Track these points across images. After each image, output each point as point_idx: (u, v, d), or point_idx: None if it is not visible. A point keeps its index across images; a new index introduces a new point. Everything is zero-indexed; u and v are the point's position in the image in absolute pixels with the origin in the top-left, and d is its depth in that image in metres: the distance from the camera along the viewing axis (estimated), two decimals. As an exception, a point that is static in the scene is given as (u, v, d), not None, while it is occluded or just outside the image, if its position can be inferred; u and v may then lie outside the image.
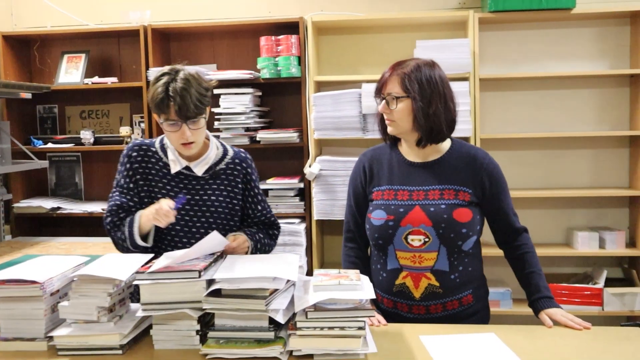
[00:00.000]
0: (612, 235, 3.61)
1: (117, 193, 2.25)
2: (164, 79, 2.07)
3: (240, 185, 2.29)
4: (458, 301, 2.12)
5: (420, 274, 2.09)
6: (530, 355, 1.74)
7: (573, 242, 3.68)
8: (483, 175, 2.14)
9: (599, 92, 3.78)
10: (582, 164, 3.83)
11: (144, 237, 2.16)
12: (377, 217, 2.13)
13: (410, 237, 2.09)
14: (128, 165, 2.25)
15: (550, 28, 3.76)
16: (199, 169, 2.24)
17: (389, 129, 2.15)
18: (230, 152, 2.32)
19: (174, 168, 2.23)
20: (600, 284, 3.57)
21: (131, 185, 2.24)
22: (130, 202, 2.22)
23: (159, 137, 2.31)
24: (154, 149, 2.27)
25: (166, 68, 2.13)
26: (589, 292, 3.55)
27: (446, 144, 2.19)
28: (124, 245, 2.18)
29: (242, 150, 2.37)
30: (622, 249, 3.61)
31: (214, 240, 1.96)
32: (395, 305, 2.14)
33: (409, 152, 2.19)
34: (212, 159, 2.26)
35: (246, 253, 2.18)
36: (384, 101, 2.11)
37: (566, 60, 3.77)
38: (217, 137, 3.56)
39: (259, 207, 2.34)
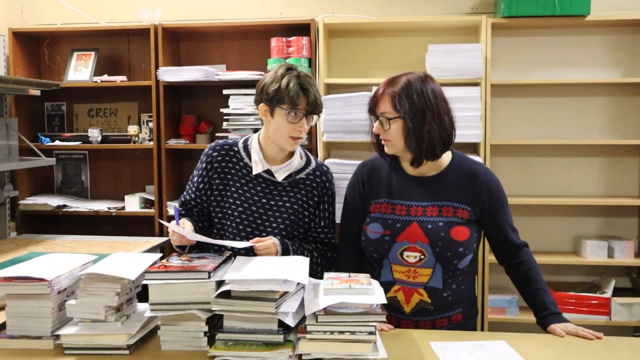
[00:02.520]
0: (621, 244, 3.58)
1: (188, 188, 2.31)
2: (293, 73, 2.13)
3: (315, 199, 2.28)
4: (447, 319, 2.10)
5: (413, 289, 2.07)
6: (543, 364, 1.71)
7: (581, 250, 3.65)
8: (483, 192, 2.11)
9: (611, 100, 3.75)
10: (592, 172, 3.80)
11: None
12: (373, 230, 2.10)
13: (406, 253, 2.06)
14: (207, 165, 2.27)
15: (563, 35, 3.74)
16: (280, 175, 2.24)
17: (386, 149, 2.12)
18: (313, 164, 2.31)
19: (256, 169, 2.23)
20: (608, 293, 3.54)
21: (203, 185, 2.27)
22: (195, 200, 2.28)
23: (243, 138, 2.31)
24: (236, 149, 2.28)
25: (285, 65, 2.18)
26: (596, 302, 3.52)
27: (446, 158, 2.15)
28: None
29: (325, 164, 2.37)
30: (631, 259, 3.58)
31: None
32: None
33: (408, 166, 2.14)
34: (294, 167, 2.26)
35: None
36: (377, 121, 2.08)
37: (579, 68, 3.75)
38: (225, 137, 3.58)
39: (322, 224, 2.31)
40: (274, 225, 2.23)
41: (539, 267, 2.17)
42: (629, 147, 3.74)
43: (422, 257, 2.05)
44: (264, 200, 2.22)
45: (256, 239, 2.12)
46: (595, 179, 3.80)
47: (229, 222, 2.24)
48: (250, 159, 2.24)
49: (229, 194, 2.24)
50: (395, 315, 2.10)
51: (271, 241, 2.13)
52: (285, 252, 2.16)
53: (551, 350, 1.86)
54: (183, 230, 2.07)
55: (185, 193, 2.33)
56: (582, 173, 3.80)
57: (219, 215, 2.27)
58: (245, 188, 2.23)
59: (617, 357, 1.80)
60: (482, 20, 3.49)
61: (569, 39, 3.74)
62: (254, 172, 2.23)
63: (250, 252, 2.11)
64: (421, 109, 2.01)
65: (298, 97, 2.09)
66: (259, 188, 2.23)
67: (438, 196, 2.10)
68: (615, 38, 3.72)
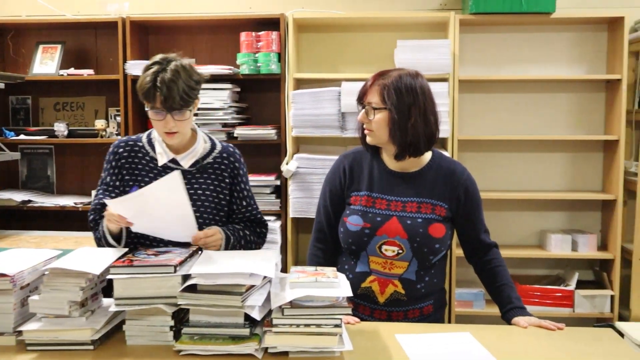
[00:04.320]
0: (585, 238, 3.65)
1: (102, 191, 2.23)
2: (154, 68, 2.06)
3: (227, 180, 2.27)
4: (419, 310, 2.15)
5: (388, 280, 2.11)
6: (506, 355, 1.74)
7: (546, 244, 3.72)
8: (460, 190, 2.16)
9: (575, 97, 3.82)
10: (557, 167, 3.86)
11: (119, 237, 2.12)
12: (353, 222, 2.13)
13: (384, 247, 2.09)
14: (114, 163, 2.23)
15: (529, 32, 3.79)
16: (186, 162, 2.22)
17: (368, 139, 2.14)
18: (218, 146, 2.30)
19: (161, 161, 2.21)
20: (572, 286, 3.61)
21: (117, 183, 2.22)
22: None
23: (147, 132, 2.30)
24: (140, 144, 2.25)
25: (158, 57, 2.12)
26: (560, 294, 3.58)
27: (427, 156, 2.19)
28: (101, 244, 2.14)
29: (230, 145, 2.35)
30: (594, 252, 3.66)
31: (171, 181, 1.95)
32: (357, 308, 2.15)
33: (390, 160, 2.18)
34: (200, 153, 2.24)
35: (220, 247, 2.14)
36: (363, 110, 2.11)
37: (544, 64, 3.80)
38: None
39: (244, 203, 2.31)
40: (196, 215, 2.15)
41: (505, 261, 2.22)
42: (593, 143, 3.81)
43: (400, 251, 2.08)
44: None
45: (203, 232, 2.08)
46: (559, 174, 3.86)
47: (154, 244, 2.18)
48: (155, 151, 2.22)
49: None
50: (369, 305, 2.15)
51: (216, 229, 2.13)
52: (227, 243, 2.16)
53: (514, 340, 1.90)
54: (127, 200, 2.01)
55: (95, 199, 2.23)
56: (547, 168, 3.86)
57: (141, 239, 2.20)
58: (155, 181, 2.17)
59: (576, 347, 1.84)
60: (450, 16, 3.52)
61: (535, 35, 3.79)
62: (160, 164, 2.20)
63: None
64: (408, 103, 2.04)
65: (149, 94, 2.05)
66: None
67: (417, 192, 2.14)
68: (580, 35, 3.78)
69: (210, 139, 2.31)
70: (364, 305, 2.15)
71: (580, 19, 3.65)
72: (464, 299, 3.62)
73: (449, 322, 3.53)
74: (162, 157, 2.21)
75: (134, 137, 2.30)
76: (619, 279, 3.59)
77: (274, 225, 3.55)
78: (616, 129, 3.59)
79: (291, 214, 3.56)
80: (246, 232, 2.28)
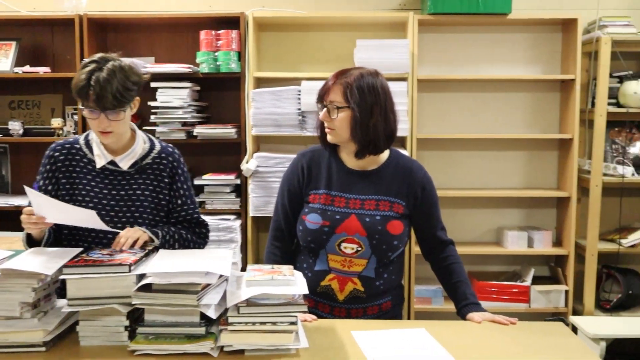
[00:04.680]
0: (540, 234, 3.72)
1: None
2: (91, 67, 2.04)
3: (166, 180, 2.24)
4: (378, 307, 2.18)
5: (348, 278, 2.13)
6: (459, 349, 1.77)
7: (503, 241, 3.78)
8: (417, 188, 2.19)
9: (531, 96, 3.89)
10: (514, 166, 3.93)
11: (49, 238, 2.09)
12: (312, 220, 2.14)
13: (343, 244, 2.11)
14: (48, 167, 2.19)
15: (487, 32, 3.85)
16: (125, 163, 2.19)
17: (329, 137, 2.15)
18: (157, 147, 2.27)
19: (99, 163, 2.18)
20: (528, 281, 3.68)
21: (49, 188, 2.18)
22: None
23: (84, 134, 2.26)
24: (77, 146, 2.22)
25: (97, 55, 2.09)
26: (517, 290, 3.65)
27: (385, 154, 2.22)
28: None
29: (170, 145, 2.33)
30: (549, 248, 3.74)
31: (87, 216, 1.96)
32: (317, 306, 2.17)
33: (348, 159, 2.20)
34: (139, 154, 2.22)
35: (145, 244, 2.06)
36: (324, 109, 2.11)
37: (501, 64, 3.87)
38: (153, 131, 3.53)
39: (179, 202, 2.27)
40: (130, 214, 2.18)
41: (464, 258, 2.27)
42: (548, 141, 3.89)
43: (359, 248, 2.11)
44: (114, 192, 2.17)
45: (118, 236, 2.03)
46: (516, 172, 3.93)
47: (89, 238, 2.15)
48: (93, 153, 2.19)
49: (77, 192, 2.17)
50: (329, 303, 2.17)
51: (133, 228, 2.08)
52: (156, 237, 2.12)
53: (468, 335, 1.94)
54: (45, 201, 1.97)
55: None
56: (504, 166, 3.93)
57: (76, 235, 2.18)
58: (93, 183, 2.17)
59: (528, 341, 1.89)
60: (409, 16, 3.56)
61: (492, 36, 3.86)
62: (98, 166, 2.18)
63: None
64: (371, 102, 2.07)
65: (82, 92, 2.03)
66: (107, 181, 2.18)
67: (376, 190, 2.16)
68: (536, 36, 3.85)
69: (150, 139, 2.29)
70: (324, 303, 2.17)
71: (535, 20, 3.72)
72: (423, 295, 3.66)
73: (408, 318, 3.58)
74: (101, 159, 2.18)
75: (70, 139, 2.25)
76: (572, 274, 3.68)
77: (234, 224, 3.54)
78: (570, 128, 3.67)
79: (251, 212, 3.55)
80: (182, 232, 2.24)
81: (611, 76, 3.64)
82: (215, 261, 1.82)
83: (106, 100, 2.01)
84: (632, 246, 3.64)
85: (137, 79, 2.11)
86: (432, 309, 3.66)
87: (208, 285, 1.73)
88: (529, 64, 3.87)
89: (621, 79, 3.70)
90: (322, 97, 2.13)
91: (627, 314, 3.64)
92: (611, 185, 3.65)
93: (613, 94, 3.68)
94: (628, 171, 3.65)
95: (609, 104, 3.63)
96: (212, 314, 1.69)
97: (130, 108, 2.12)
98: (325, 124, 2.13)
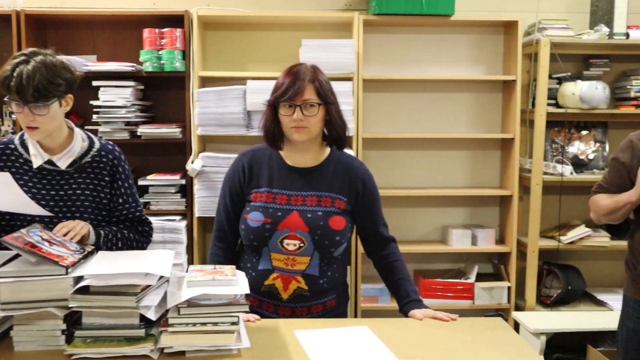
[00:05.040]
0: (484, 232, 3.80)
1: None
2: (18, 59, 1.98)
3: (107, 179, 2.20)
4: (322, 305, 2.19)
5: (291, 276, 2.13)
6: (400, 346, 1.80)
7: (448, 239, 3.85)
8: (358, 184, 2.22)
9: (474, 97, 3.97)
10: (458, 165, 4.00)
11: None
12: (254, 218, 2.14)
13: (286, 241, 2.12)
14: None
15: (431, 33, 3.91)
16: (62, 163, 2.14)
17: (297, 136, 2.13)
18: (97, 145, 2.23)
19: (36, 162, 2.12)
20: (472, 279, 3.75)
21: None
22: None
23: (20, 133, 2.20)
24: (12, 146, 2.15)
25: (29, 49, 2.04)
26: (461, 287, 3.72)
27: (326, 151, 2.25)
28: None
29: (110, 142, 2.28)
30: (492, 246, 3.82)
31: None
32: (261, 305, 2.16)
33: (289, 156, 2.22)
34: (77, 152, 2.16)
35: (89, 233, 2.04)
36: (297, 109, 2.10)
37: (445, 65, 3.93)
38: (95, 131, 3.46)
39: (120, 201, 2.23)
40: (70, 215, 2.13)
41: (410, 256, 2.30)
42: (491, 141, 3.97)
43: (302, 245, 2.11)
44: (52, 193, 2.12)
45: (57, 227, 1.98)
46: (460, 171, 4.00)
47: (25, 224, 2.08)
48: (29, 153, 2.14)
49: None
50: (273, 302, 2.17)
51: (69, 222, 2.03)
52: (97, 237, 2.09)
53: (409, 332, 1.97)
54: None
55: None
56: (448, 165, 3.99)
57: (11, 221, 2.12)
58: (30, 184, 2.11)
59: (467, 336, 1.93)
60: (354, 16, 3.58)
61: (436, 37, 3.91)
62: (35, 166, 2.12)
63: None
64: (335, 98, 2.17)
65: (4, 84, 1.98)
66: (44, 181, 2.13)
67: (317, 187, 2.18)
68: (478, 37, 3.93)
69: (89, 137, 2.24)
70: (268, 303, 2.17)
71: (477, 22, 3.80)
72: (370, 294, 3.69)
73: (355, 316, 3.60)
74: (37, 158, 2.12)
75: (5, 140, 2.19)
76: (515, 271, 3.77)
77: (180, 225, 3.50)
78: (512, 128, 3.76)
79: (197, 213, 3.52)
80: (124, 232, 2.21)
81: (550, 77, 3.74)
82: (156, 262, 1.79)
83: (27, 93, 1.95)
84: (571, 243, 3.74)
85: (68, 75, 2.06)
86: (379, 307, 3.69)
87: (148, 286, 1.70)
88: (472, 65, 3.94)
89: (560, 80, 3.80)
90: (292, 97, 2.10)
91: (566, 309, 3.75)
92: (551, 183, 3.75)
93: (552, 94, 3.78)
94: (567, 170, 3.75)
95: (549, 104, 3.73)
96: (152, 315, 1.67)
97: (60, 105, 2.07)
98: (296, 124, 2.11)
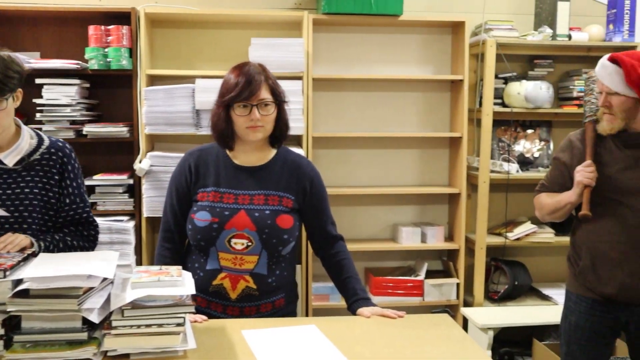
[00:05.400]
0: (433, 230, 3.85)
1: None
2: None
3: (56, 177, 2.15)
4: (271, 304, 2.19)
5: (240, 276, 2.12)
6: (348, 344, 1.81)
7: (398, 237, 3.88)
8: (306, 182, 2.23)
9: (423, 96, 4.01)
10: (407, 163, 4.04)
11: None
12: (201, 218, 2.12)
13: (233, 240, 2.10)
14: None
15: (380, 33, 3.93)
16: (10, 160, 2.08)
17: (255, 135, 2.13)
18: (46, 142, 2.18)
19: None
20: (422, 276, 3.80)
21: None
22: None
23: None
24: None
25: None
26: (411, 284, 3.75)
27: (273, 150, 2.25)
28: None
29: (60, 140, 2.23)
30: (441, 243, 3.87)
31: None
32: (209, 305, 2.15)
33: (237, 155, 2.21)
34: (25, 149, 2.11)
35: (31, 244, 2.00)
36: (253, 109, 2.09)
37: (394, 64, 3.96)
38: (39, 129, 3.36)
39: (67, 201, 2.18)
40: (18, 214, 2.08)
41: (360, 254, 2.31)
42: (440, 140, 4.03)
43: (250, 244, 2.10)
44: None
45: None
46: (410, 169, 4.04)
47: None
48: None
49: None
50: (222, 302, 2.15)
51: (8, 235, 1.98)
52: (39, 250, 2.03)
53: (357, 330, 1.98)
54: None
55: None
56: (398, 164, 4.02)
57: None
58: None
59: (414, 332, 1.95)
60: (304, 15, 3.58)
61: (385, 36, 3.94)
62: None
63: None
64: (283, 96, 2.18)
65: None
66: None
67: (264, 185, 2.17)
68: (427, 37, 3.97)
69: (38, 134, 2.19)
70: (216, 303, 2.16)
71: (426, 22, 3.84)
72: (321, 292, 3.70)
73: (307, 315, 3.60)
74: None
75: None
76: (463, 268, 3.83)
77: (128, 225, 3.44)
78: (460, 127, 3.82)
79: (145, 213, 3.46)
80: (67, 239, 2.16)
81: (497, 77, 3.82)
82: (99, 263, 1.76)
83: None
84: (518, 239, 3.82)
85: (19, 69, 2.01)
86: (330, 306, 3.70)
87: (90, 288, 1.67)
88: (421, 65, 3.99)
89: (506, 80, 3.88)
90: (249, 97, 2.10)
91: (513, 304, 3.83)
92: (498, 181, 3.83)
93: (499, 94, 3.86)
94: (513, 168, 3.83)
95: (495, 103, 3.81)
96: (95, 318, 1.63)
97: (13, 99, 2.01)
98: (253, 123, 2.11)
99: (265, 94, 2.12)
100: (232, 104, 2.11)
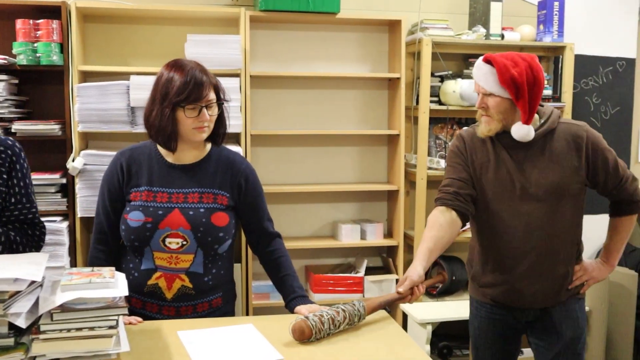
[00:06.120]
0: (373, 227, 3.88)
1: None
2: None
3: (4, 176, 2.07)
4: (208, 303, 2.17)
5: (175, 275, 2.10)
6: (285, 342, 1.81)
7: (338, 234, 3.90)
8: (241, 179, 2.21)
9: (361, 94, 4.04)
10: (346, 161, 4.06)
11: None
12: (134, 218, 2.08)
13: (168, 239, 2.07)
14: None
15: (317, 30, 3.94)
16: None
17: (202, 136, 2.11)
18: None
19: None
20: (362, 272, 3.83)
21: None
22: None
23: None
24: None
25: None
26: (351, 281, 3.78)
27: (207, 147, 2.23)
28: None
29: (10, 138, 2.14)
30: (381, 240, 3.91)
31: None
32: (144, 306, 2.11)
33: (169, 154, 2.17)
34: None
35: None
36: (203, 110, 2.06)
37: (332, 62, 3.97)
38: (-36, 127, 3.23)
39: (13, 201, 2.10)
40: None
41: (300, 252, 2.30)
42: (378, 137, 4.06)
43: (184, 242, 2.08)
44: None
45: None
46: (349, 166, 4.06)
47: None
48: None
49: None
50: (157, 302, 2.12)
51: None
52: None
53: (295, 328, 1.96)
54: None
55: None
56: (337, 161, 4.04)
57: None
58: None
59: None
60: (241, 12, 3.55)
61: (323, 34, 3.95)
62: None
63: None
64: (224, 95, 2.18)
65: None
66: None
67: (199, 183, 2.15)
68: (364, 36, 4.00)
69: None
70: (152, 303, 2.12)
71: (363, 21, 3.87)
72: (261, 291, 3.68)
73: (247, 314, 3.58)
74: None
75: None
76: (402, 264, 3.87)
77: (61, 226, 3.34)
78: (397, 124, 3.86)
79: (79, 213, 3.37)
80: (10, 234, 2.08)
81: (433, 75, 3.88)
82: (27, 266, 1.69)
83: None
84: (454, 234, 3.89)
85: None
86: (270, 304, 3.68)
87: (17, 292, 1.60)
88: (359, 62, 4.01)
89: (442, 78, 3.94)
90: (199, 99, 2.06)
91: (451, 299, 3.90)
92: (435, 178, 3.87)
93: (435, 92, 3.92)
94: (449, 164, 3.89)
95: (432, 101, 3.86)
96: (22, 323, 1.57)
97: None
98: (201, 124, 2.08)
99: (212, 95, 2.11)
100: (182, 105, 2.06)
